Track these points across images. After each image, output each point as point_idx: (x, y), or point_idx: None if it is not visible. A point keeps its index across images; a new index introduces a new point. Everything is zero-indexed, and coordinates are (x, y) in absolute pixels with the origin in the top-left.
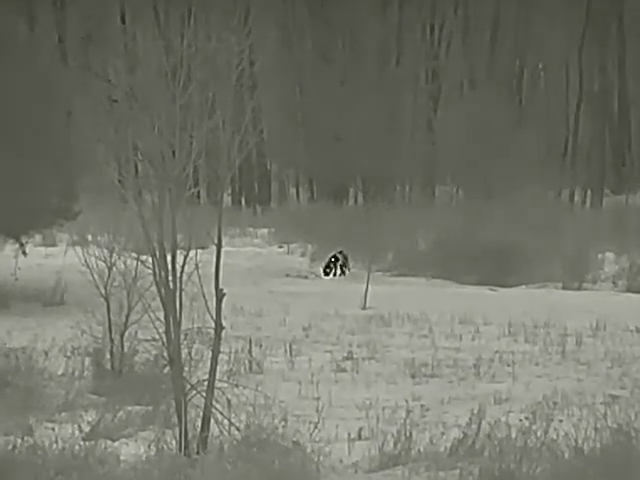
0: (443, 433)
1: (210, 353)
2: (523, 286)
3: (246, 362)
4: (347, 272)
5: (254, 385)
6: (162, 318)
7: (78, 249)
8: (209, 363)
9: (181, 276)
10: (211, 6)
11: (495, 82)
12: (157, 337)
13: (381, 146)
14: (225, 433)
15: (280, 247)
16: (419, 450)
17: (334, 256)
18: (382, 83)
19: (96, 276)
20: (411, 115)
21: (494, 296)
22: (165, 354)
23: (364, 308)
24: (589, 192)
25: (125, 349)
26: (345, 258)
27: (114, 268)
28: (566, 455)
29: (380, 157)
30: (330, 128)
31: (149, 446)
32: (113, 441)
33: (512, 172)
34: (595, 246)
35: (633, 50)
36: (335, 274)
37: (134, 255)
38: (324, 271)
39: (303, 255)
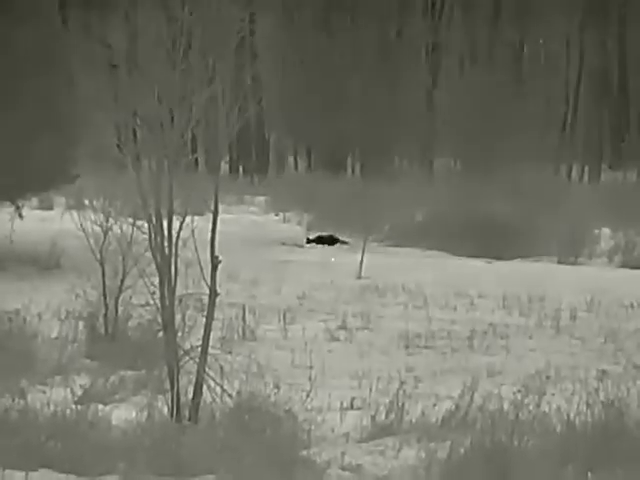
0: (435, 405)
1: (204, 320)
2: (519, 259)
3: (240, 329)
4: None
5: (247, 352)
6: (157, 283)
7: (74, 213)
8: (202, 330)
9: (177, 242)
10: None
11: (495, 57)
12: (151, 302)
13: (380, 118)
14: (217, 400)
15: (276, 215)
16: (411, 421)
17: (319, 237)
18: (382, 55)
19: (92, 240)
20: (411, 88)
21: (489, 269)
22: (159, 319)
23: (359, 278)
24: (587, 168)
25: (119, 314)
26: (335, 240)
27: (110, 233)
28: (558, 429)
29: (379, 129)
30: (329, 99)
31: (141, 411)
32: (105, 405)
33: (511, 147)
34: (591, 221)
35: (633, 27)
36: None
37: (130, 220)
38: (308, 240)
39: (299, 224)
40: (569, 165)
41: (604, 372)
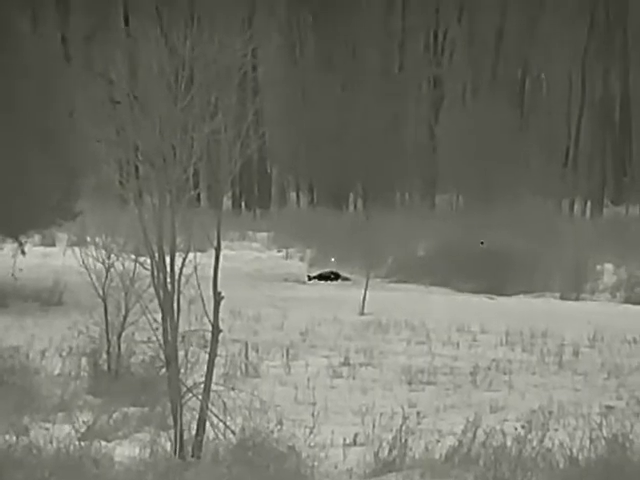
0: (438, 440)
1: (207, 356)
2: (521, 295)
3: (243, 366)
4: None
5: (250, 389)
6: (159, 320)
7: (76, 250)
8: (205, 366)
9: (179, 278)
10: (215, 9)
11: (497, 91)
12: (154, 339)
13: (382, 152)
14: (220, 436)
15: (279, 252)
16: (414, 457)
17: (321, 275)
18: (384, 90)
19: (94, 277)
20: (413, 122)
21: (492, 304)
22: (162, 356)
23: (362, 314)
24: (589, 202)
25: (122, 350)
26: (337, 277)
27: (112, 269)
28: (561, 465)
29: (381, 163)
30: (331, 133)
31: (144, 448)
32: (108, 442)
33: (513, 181)
34: (594, 257)
35: (636, 60)
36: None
37: (132, 257)
38: (309, 276)
39: (302, 260)
40: (571, 200)
41: (607, 408)
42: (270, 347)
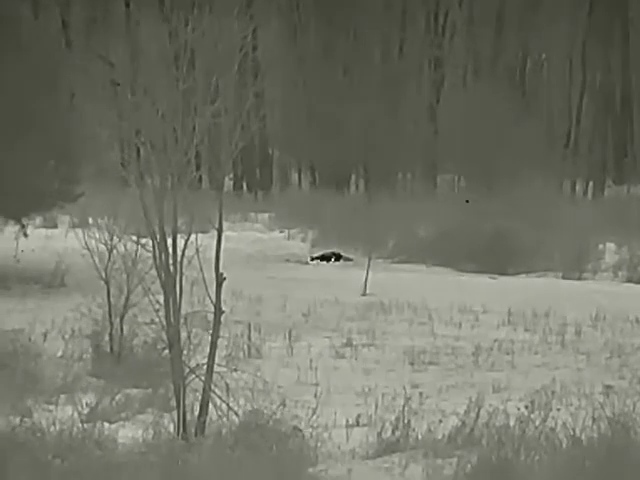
0: (441, 421)
1: (209, 337)
2: (523, 275)
3: (245, 347)
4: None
5: (253, 370)
6: (162, 301)
7: (79, 231)
8: (208, 347)
9: (181, 260)
10: None
11: (498, 73)
12: (157, 320)
13: (383, 134)
14: (223, 418)
15: (281, 232)
16: (417, 437)
17: (323, 255)
18: (385, 71)
19: (96, 259)
20: (414, 104)
21: (494, 284)
22: (164, 337)
23: (364, 295)
24: (591, 183)
25: (124, 332)
26: (339, 257)
27: (114, 251)
28: (564, 445)
29: (382, 145)
30: (332, 115)
31: (147, 429)
32: (111, 423)
33: (514, 162)
34: (596, 236)
35: (636, 42)
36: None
37: (134, 238)
38: (311, 257)
39: (304, 241)
40: (573, 180)
41: (609, 387)
42: (272, 328)
